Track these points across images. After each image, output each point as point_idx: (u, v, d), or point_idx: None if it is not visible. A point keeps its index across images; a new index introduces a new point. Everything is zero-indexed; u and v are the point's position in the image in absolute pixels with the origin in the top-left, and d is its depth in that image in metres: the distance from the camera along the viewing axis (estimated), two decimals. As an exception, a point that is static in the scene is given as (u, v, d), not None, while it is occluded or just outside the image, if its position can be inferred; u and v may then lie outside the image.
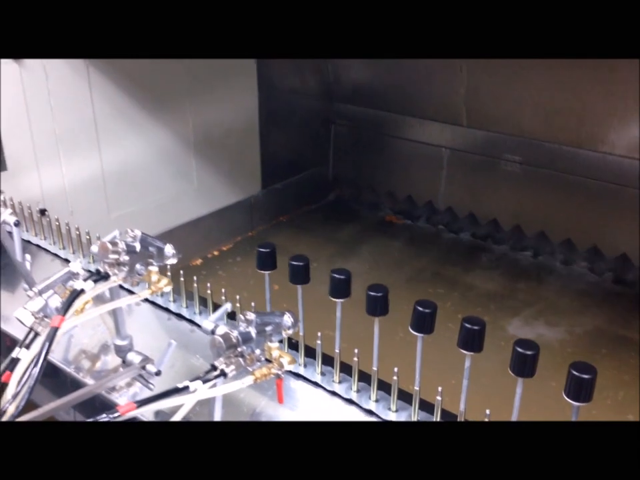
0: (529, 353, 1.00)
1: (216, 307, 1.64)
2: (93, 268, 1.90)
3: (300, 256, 1.27)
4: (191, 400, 1.06)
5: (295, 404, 1.37)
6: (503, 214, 3.42)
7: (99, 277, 1.24)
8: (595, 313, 2.83)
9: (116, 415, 0.95)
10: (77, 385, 1.58)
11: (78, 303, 1.18)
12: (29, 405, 1.14)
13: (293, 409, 1.36)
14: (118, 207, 2.91)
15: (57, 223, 2.00)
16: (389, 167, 3.81)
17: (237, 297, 1.51)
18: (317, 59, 3.74)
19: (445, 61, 3.29)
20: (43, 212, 2.10)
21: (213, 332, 1.16)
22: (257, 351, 1.13)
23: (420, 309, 1.12)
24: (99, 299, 1.38)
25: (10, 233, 1.60)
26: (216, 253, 3.37)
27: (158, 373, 1.37)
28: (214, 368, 1.10)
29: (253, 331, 1.12)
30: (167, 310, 1.73)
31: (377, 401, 1.31)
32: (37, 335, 1.30)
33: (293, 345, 1.45)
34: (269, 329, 1.15)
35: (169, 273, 1.50)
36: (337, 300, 1.27)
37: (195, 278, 1.65)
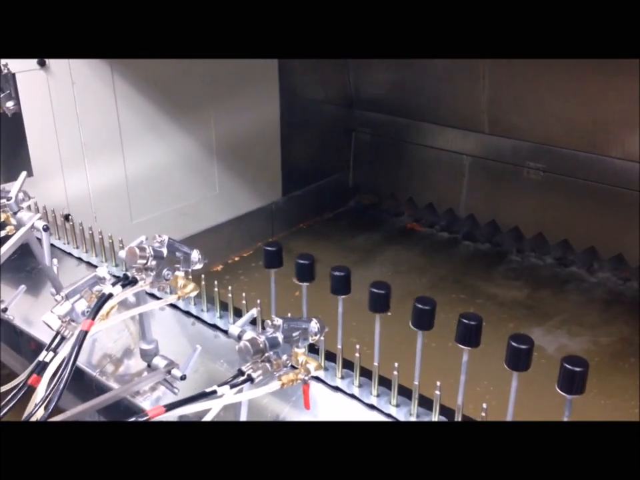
0: (523, 347, 1.03)
1: (236, 311, 1.66)
2: (116, 272, 1.94)
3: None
4: (218, 404, 1.06)
5: (318, 410, 1.37)
6: (525, 222, 3.39)
7: (127, 281, 1.25)
8: (620, 322, 2.79)
9: (145, 418, 0.96)
10: (101, 388, 1.59)
11: (106, 307, 1.19)
12: (54, 409, 1.14)
13: (317, 416, 1.35)
14: (140, 212, 2.93)
15: (81, 228, 2.02)
16: (410, 174, 3.81)
17: (258, 301, 1.51)
18: (339, 68, 3.75)
19: (467, 68, 3.29)
20: (67, 217, 2.14)
21: (239, 337, 1.16)
22: (284, 357, 1.13)
23: (419, 305, 1.15)
24: (122, 304, 1.39)
25: (39, 239, 1.62)
26: (237, 258, 3.38)
27: (183, 377, 1.37)
28: (241, 373, 1.10)
29: (280, 336, 1.11)
30: (187, 313, 1.74)
31: (397, 406, 1.31)
32: (63, 338, 1.31)
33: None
34: (295, 334, 1.15)
35: (190, 277, 1.51)
36: (339, 297, 1.29)
37: (215, 282, 1.65)
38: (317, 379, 1.38)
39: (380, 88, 3.79)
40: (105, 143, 2.71)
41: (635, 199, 2.96)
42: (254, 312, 1.29)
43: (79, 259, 2.10)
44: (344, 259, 3.32)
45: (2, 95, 2.08)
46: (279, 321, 1.13)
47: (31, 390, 1.31)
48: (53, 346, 1.32)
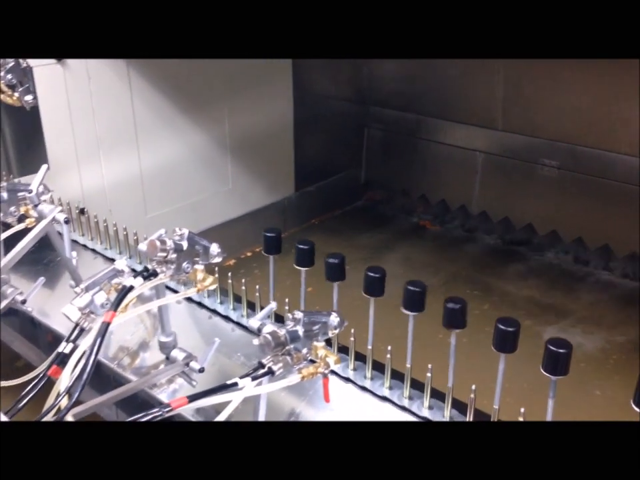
0: (510, 329, 1.07)
1: (250, 304, 1.68)
2: (133, 265, 1.95)
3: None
4: (238, 396, 1.06)
5: (333, 404, 1.37)
6: (539, 219, 3.37)
7: (148, 274, 1.25)
8: (635, 321, 2.77)
9: (168, 409, 0.96)
10: (119, 381, 1.60)
11: (127, 299, 1.20)
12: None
13: (333, 410, 1.36)
14: (154, 207, 2.95)
15: (96, 220, 2.05)
16: (422, 171, 3.79)
17: (271, 294, 1.53)
18: (352, 65, 3.74)
19: (481, 64, 3.27)
20: (82, 211, 2.15)
21: (259, 330, 1.17)
22: (304, 350, 1.13)
23: (411, 288, 1.19)
24: (137, 298, 1.39)
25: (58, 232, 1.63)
26: (249, 254, 3.39)
27: (201, 370, 1.38)
28: (261, 365, 1.10)
29: (300, 329, 1.12)
30: (199, 304, 1.76)
31: (410, 398, 1.32)
32: (82, 330, 1.32)
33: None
34: (315, 328, 1.15)
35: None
36: (333, 282, 1.34)
37: (229, 274, 1.67)
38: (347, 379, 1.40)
39: (393, 84, 3.78)
40: (120, 138, 2.72)
41: (650, 197, 2.94)
42: (273, 305, 1.30)
43: (95, 251, 2.12)
44: (356, 254, 3.31)
45: (21, 89, 2.09)
46: (299, 315, 1.13)
47: (49, 381, 1.32)
48: (72, 337, 1.34)
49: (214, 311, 1.74)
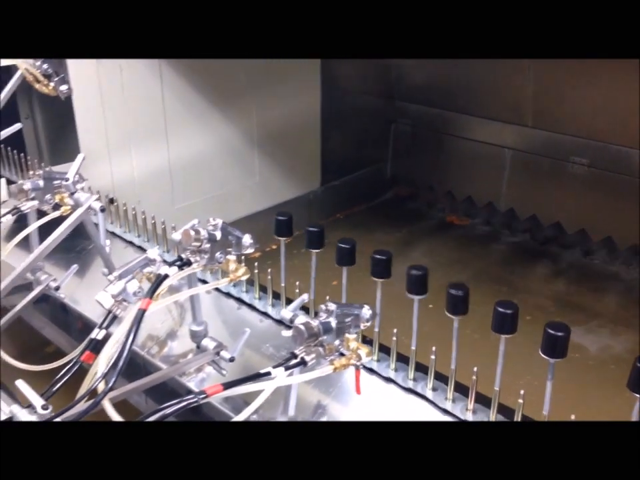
0: (508, 312, 1.10)
1: (275, 295, 1.70)
2: (162, 255, 1.98)
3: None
4: (271, 386, 1.07)
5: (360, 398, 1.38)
6: (567, 217, 3.33)
7: (182, 263, 1.27)
8: (665, 321, 2.73)
9: (203, 396, 0.97)
10: (148, 369, 1.62)
11: (162, 287, 1.21)
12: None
13: (360, 403, 1.36)
14: (182, 198, 2.97)
15: (125, 208, 2.08)
16: (449, 167, 3.77)
17: (297, 283, 1.55)
18: (380, 60, 3.72)
19: (511, 61, 3.23)
20: (111, 200, 2.19)
21: (291, 321, 1.17)
22: (336, 342, 1.13)
23: (413, 272, 1.24)
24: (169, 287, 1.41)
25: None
26: (274, 246, 3.40)
27: (232, 359, 1.39)
28: (294, 356, 1.11)
29: (333, 321, 1.12)
30: (227, 294, 1.78)
31: (454, 400, 1.32)
32: (115, 317, 1.34)
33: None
34: (348, 320, 1.16)
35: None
36: (343, 267, 1.39)
37: (255, 264, 1.70)
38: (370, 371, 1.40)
39: (421, 80, 3.75)
40: (150, 129, 2.74)
41: (681, 197, 2.89)
42: (305, 297, 1.30)
43: (126, 240, 2.15)
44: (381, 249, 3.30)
45: (56, 79, 2.12)
46: (332, 306, 1.13)
47: (81, 367, 1.34)
48: (104, 324, 1.36)
49: (243, 302, 1.75)
